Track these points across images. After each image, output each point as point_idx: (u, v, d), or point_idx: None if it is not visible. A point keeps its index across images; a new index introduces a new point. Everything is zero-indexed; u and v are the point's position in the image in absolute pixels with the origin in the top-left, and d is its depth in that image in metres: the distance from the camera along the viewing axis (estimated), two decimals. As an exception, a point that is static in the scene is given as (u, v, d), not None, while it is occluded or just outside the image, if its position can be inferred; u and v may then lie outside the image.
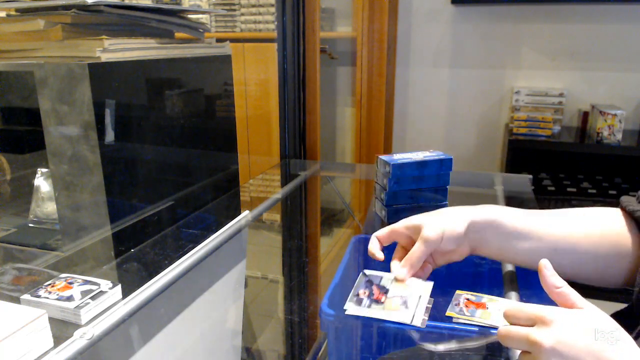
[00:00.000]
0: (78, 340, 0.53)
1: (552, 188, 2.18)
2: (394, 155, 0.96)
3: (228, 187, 1.15)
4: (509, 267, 0.75)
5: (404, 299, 0.60)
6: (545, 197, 2.14)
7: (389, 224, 0.67)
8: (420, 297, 0.60)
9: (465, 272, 0.82)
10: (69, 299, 0.57)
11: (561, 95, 2.20)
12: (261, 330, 1.04)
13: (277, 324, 1.03)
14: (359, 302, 0.61)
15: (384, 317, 0.58)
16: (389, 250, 0.66)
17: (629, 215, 0.62)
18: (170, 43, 0.92)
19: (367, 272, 0.66)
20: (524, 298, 0.68)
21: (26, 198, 0.93)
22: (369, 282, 0.64)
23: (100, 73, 0.74)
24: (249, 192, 1.49)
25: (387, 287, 0.62)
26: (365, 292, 0.62)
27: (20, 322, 0.48)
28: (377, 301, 0.61)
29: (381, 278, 0.64)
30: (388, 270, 0.64)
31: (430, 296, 0.60)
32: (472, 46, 2.34)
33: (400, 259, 0.63)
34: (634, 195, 0.64)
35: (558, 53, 2.24)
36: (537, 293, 0.80)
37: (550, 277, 0.49)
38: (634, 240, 0.60)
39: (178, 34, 0.98)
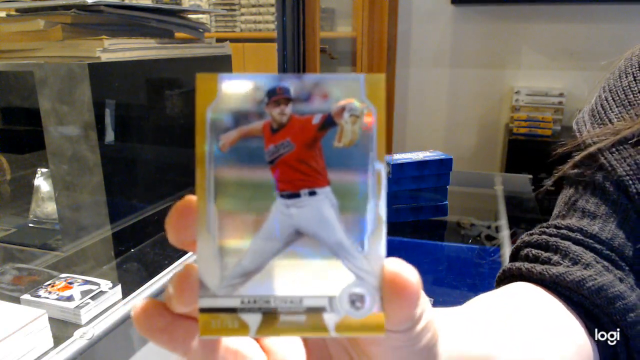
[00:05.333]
0: (78, 340, 0.53)
1: (552, 188, 2.17)
2: (394, 155, 0.96)
3: (228, 187, 1.15)
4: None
5: None
6: (545, 197, 2.14)
7: (389, 224, 0.67)
8: None
9: (465, 271, 0.82)
10: (69, 299, 0.57)
11: (561, 95, 2.20)
12: (261, 330, 1.04)
13: (277, 324, 1.02)
14: None
15: None
16: (389, 251, 0.66)
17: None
18: (170, 43, 0.92)
19: None
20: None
21: (26, 198, 0.93)
22: None
23: (100, 73, 0.74)
24: (249, 192, 1.48)
25: None
26: None
27: (20, 322, 0.48)
28: None
29: None
30: None
31: (430, 296, 0.60)
32: (472, 46, 2.34)
33: None
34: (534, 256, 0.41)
35: (558, 53, 2.24)
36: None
37: None
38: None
39: (178, 34, 0.98)
